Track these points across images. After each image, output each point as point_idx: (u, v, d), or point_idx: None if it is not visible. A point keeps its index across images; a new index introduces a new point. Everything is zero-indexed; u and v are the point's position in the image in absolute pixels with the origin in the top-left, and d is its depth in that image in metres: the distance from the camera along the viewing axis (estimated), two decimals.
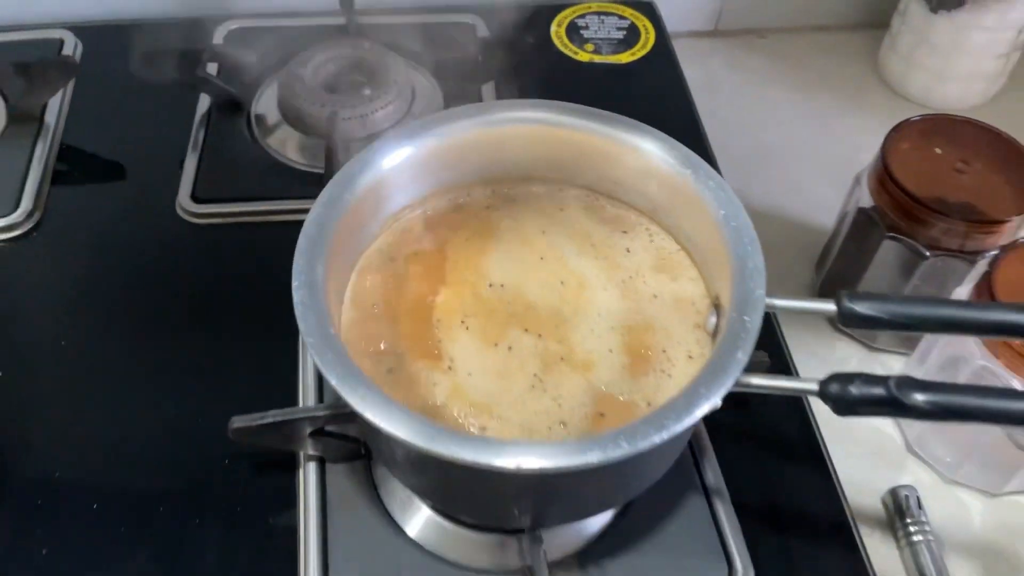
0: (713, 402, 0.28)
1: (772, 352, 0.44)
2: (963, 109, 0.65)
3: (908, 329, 0.30)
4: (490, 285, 0.36)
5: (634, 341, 0.34)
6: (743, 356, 0.29)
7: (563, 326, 0.35)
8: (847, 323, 0.30)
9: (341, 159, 0.50)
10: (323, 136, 0.51)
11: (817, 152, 0.62)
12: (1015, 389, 0.28)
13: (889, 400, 0.27)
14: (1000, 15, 0.59)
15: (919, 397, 0.27)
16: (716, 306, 0.34)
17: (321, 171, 0.51)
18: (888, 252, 0.47)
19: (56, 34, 0.59)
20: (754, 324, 0.30)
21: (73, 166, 0.52)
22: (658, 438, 0.27)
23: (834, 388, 0.28)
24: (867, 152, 0.49)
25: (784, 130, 0.64)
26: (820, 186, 0.60)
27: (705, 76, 0.68)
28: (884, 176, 0.46)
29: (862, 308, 0.30)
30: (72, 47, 0.58)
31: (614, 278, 0.36)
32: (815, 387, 0.29)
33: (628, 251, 0.37)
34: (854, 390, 0.28)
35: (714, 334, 0.34)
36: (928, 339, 0.46)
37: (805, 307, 0.31)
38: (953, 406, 0.27)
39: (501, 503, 0.33)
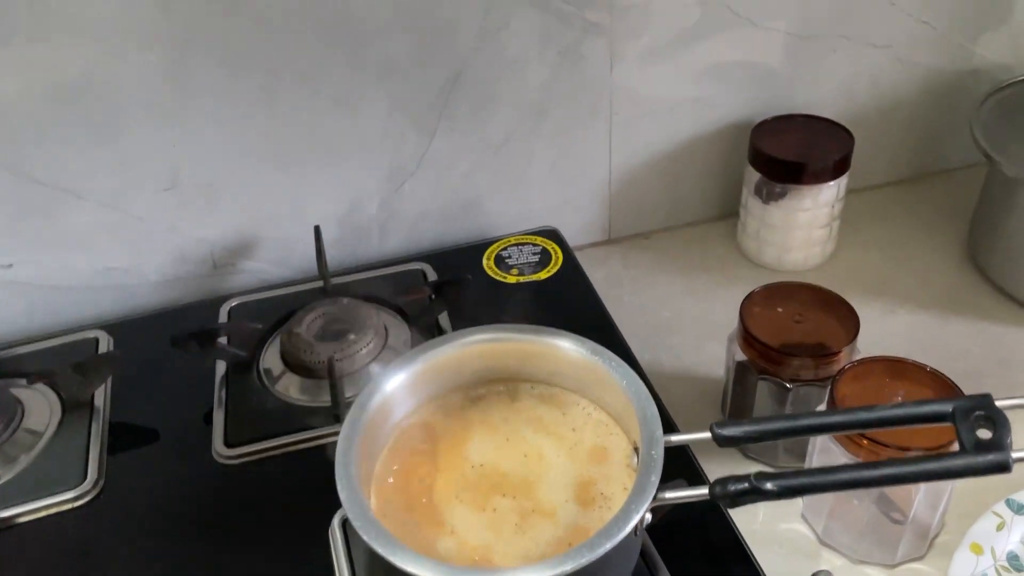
0: (642, 514, 0.42)
1: (692, 479, 0.57)
2: (809, 268, 0.83)
3: (760, 440, 0.44)
4: (472, 466, 0.49)
5: (583, 489, 0.48)
6: (655, 479, 0.43)
7: (530, 488, 0.48)
8: (722, 444, 0.44)
9: (343, 391, 0.64)
10: (324, 377, 0.65)
11: (703, 320, 0.79)
12: (839, 465, 0.41)
13: (753, 490, 0.41)
14: (813, 198, 0.79)
15: (769, 484, 0.40)
16: (636, 449, 0.48)
17: (321, 405, 0.65)
18: (764, 389, 0.62)
19: (92, 334, 0.73)
20: (658, 455, 0.44)
21: (123, 438, 0.64)
22: (609, 544, 0.40)
23: (718, 490, 0.42)
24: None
25: (676, 307, 0.81)
26: (712, 346, 0.75)
27: (607, 275, 0.85)
28: (745, 334, 0.62)
29: (728, 432, 0.44)
30: (106, 343, 0.72)
31: (562, 447, 0.50)
32: (706, 492, 0.42)
33: (571, 427, 0.51)
34: (730, 487, 0.41)
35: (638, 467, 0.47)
36: (808, 452, 0.60)
37: (692, 439, 0.45)
38: (793, 486, 0.40)
39: None
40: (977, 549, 0.57)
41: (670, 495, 0.43)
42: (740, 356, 0.63)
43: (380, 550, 0.41)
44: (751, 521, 0.61)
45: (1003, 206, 0.77)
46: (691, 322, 0.79)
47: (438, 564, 0.40)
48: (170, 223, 0.76)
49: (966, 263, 0.84)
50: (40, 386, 0.67)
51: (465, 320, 0.71)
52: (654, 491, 0.42)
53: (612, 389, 0.49)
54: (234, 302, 0.76)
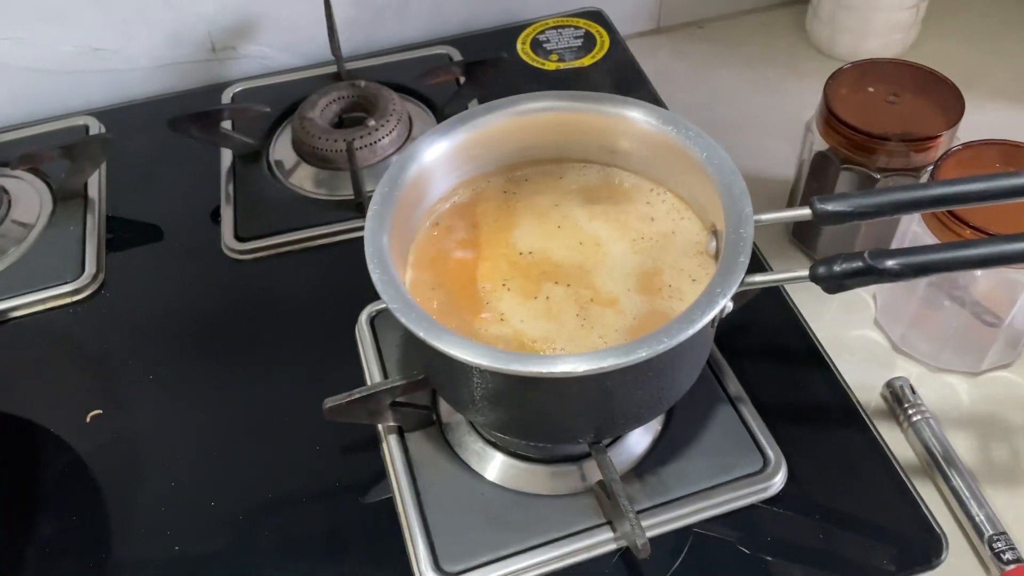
0: (728, 297, 0.35)
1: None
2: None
3: (873, 215, 0.37)
4: (520, 253, 0.42)
5: (647, 279, 0.41)
6: (745, 259, 0.36)
7: (587, 276, 0.41)
8: (823, 222, 0.37)
9: (364, 181, 0.56)
10: (341, 167, 0.57)
11: (767, 117, 0.70)
12: (963, 240, 0.35)
13: (867, 269, 0.34)
14: None
15: (890, 262, 0.33)
16: (714, 232, 0.41)
17: (338, 198, 0.58)
18: (845, 182, 0.54)
19: (80, 121, 0.65)
20: (748, 234, 0.37)
21: (121, 232, 0.58)
22: (690, 330, 0.34)
23: (822, 270, 0.35)
24: (811, 109, 0.57)
25: (735, 104, 0.72)
26: (776, 144, 0.67)
27: (656, 68, 0.75)
28: (830, 118, 0.53)
29: (832, 206, 0.37)
30: (98, 129, 0.64)
31: (623, 234, 0.43)
32: (806, 273, 0.36)
33: (629, 209, 0.43)
34: (837, 268, 0.35)
35: (716, 255, 0.40)
36: (896, 242, 0.53)
37: (787, 216, 0.38)
38: (917, 263, 0.33)
39: (568, 419, 0.39)
40: None
41: (760, 278, 0.36)
42: (820, 145, 0.55)
43: (422, 333, 0.34)
44: (818, 327, 0.55)
45: None
46: (753, 120, 0.70)
47: (490, 348, 0.34)
48: None
49: None
50: (27, 175, 0.60)
51: None
52: (743, 272, 0.35)
53: (687, 164, 0.41)
54: (238, 87, 0.67)
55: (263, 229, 0.56)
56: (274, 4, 0.69)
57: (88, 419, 0.47)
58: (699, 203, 0.42)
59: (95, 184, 0.60)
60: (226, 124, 0.61)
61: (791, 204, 0.61)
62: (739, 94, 0.73)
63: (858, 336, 0.55)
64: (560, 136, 0.45)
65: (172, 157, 0.62)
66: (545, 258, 0.42)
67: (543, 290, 0.41)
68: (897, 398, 0.50)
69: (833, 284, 0.35)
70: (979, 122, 0.61)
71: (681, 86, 0.74)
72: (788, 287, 0.54)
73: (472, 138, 0.42)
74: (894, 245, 0.52)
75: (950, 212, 0.46)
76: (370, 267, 0.37)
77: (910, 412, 0.49)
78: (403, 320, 0.35)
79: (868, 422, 0.47)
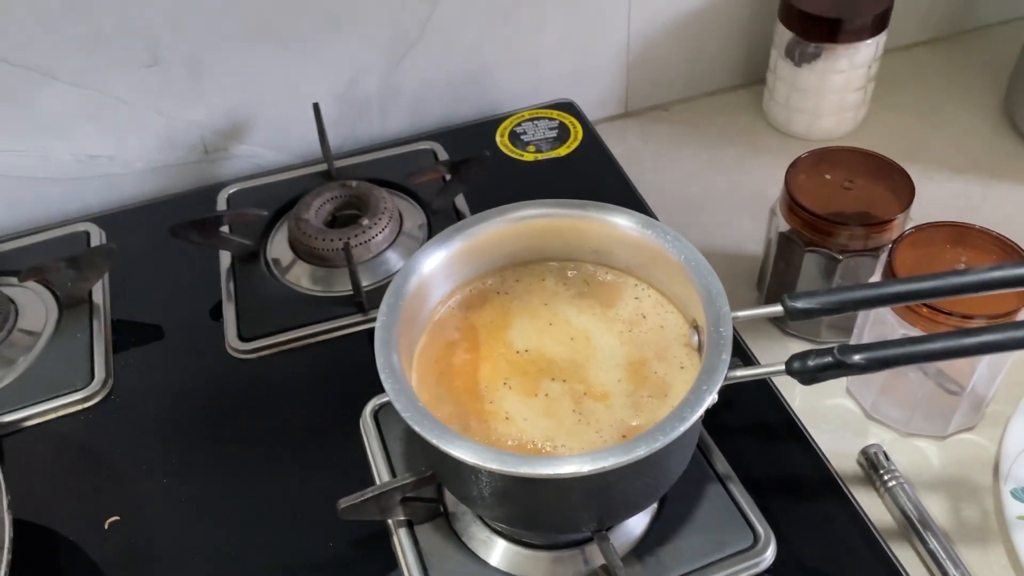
0: (713, 394, 0.38)
1: (741, 358, 0.54)
2: (841, 136, 0.79)
3: (838, 311, 0.41)
4: (517, 352, 0.45)
5: (636, 369, 0.44)
6: (726, 357, 0.39)
7: (580, 371, 0.45)
8: (793, 318, 0.41)
9: (361, 278, 0.59)
10: (338, 264, 0.60)
11: (732, 195, 0.75)
12: (926, 334, 0.38)
13: (836, 364, 0.38)
14: (849, 58, 0.73)
15: (856, 356, 0.37)
16: (695, 327, 0.44)
17: (336, 294, 0.61)
18: (811, 262, 0.58)
19: (81, 227, 0.67)
20: (728, 333, 0.40)
21: (128, 336, 0.60)
22: (682, 427, 0.37)
23: (796, 365, 0.39)
24: (774, 186, 0.61)
25: (701, 183, 0.76)
26: (741, 220, 0.72)
27: (626, 151, 0.80)
28: (792, 204, 0.58)
29: (801, 304, 0.40)
30: (98, 236, 0.67)
31: (611, 328, 0.46)
32: (783, 368, 0.39)
33: (617, 304, 0.47)
34: (810, 363, 0.38)
35: (699, 348, 0.44)
36: (859, 325, 0.57)
37: (760, 313, 0.42)
38: (881, 357, 0.37)
39: (572, 511, 0.41)
40: None
41: (742, 373, 0.40)
42: (784, 227, 0.59)
43: (435, 441, 0.37)
44: (792, 398, 0.58)
45: None
46: (719, 197, 0.75)
47: (498, 452, 0.37)
48: (154, 105, 0.70)
49: (1004, 125, 0.79)
50: (32, 284, 0.62)
51: (484, 203, 0.67)
52: (725, 369, 0.39)
53: (667, 265, 0.45)
54: (232, 189, 0.70)
55: (265, 328, 0.59)
56: (263, 106, 0.73)
57: (107, 526, 0.49)
58: (680, 300, 0.46)
59: (99, 290, 0.62)
60: (224, 228, 0.64)
61: (761, 281, 0.65)
62: (704, 173, 0.77)
63: (832, 405, 0.59)
64: (548, 239, 0.48)
65: (171, 259, 0.65)
66: (541, 355, 0.45)
67: (541, 387, 0.44)
68: (872, 465, 0.54)
69: (807, 378, 0.39)
70: (928, 193, 0.66)
71: (650, 167, 0.79)
72: (759, 358, 0.58)
73: (467, 246, 0.46)
74: (868, 332, 0.56)
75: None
76: (382, 376, 0.40)
77: (885, 478, 0.53)
78: (417, 428, 0.38)
79: (846, 491, 0.50)
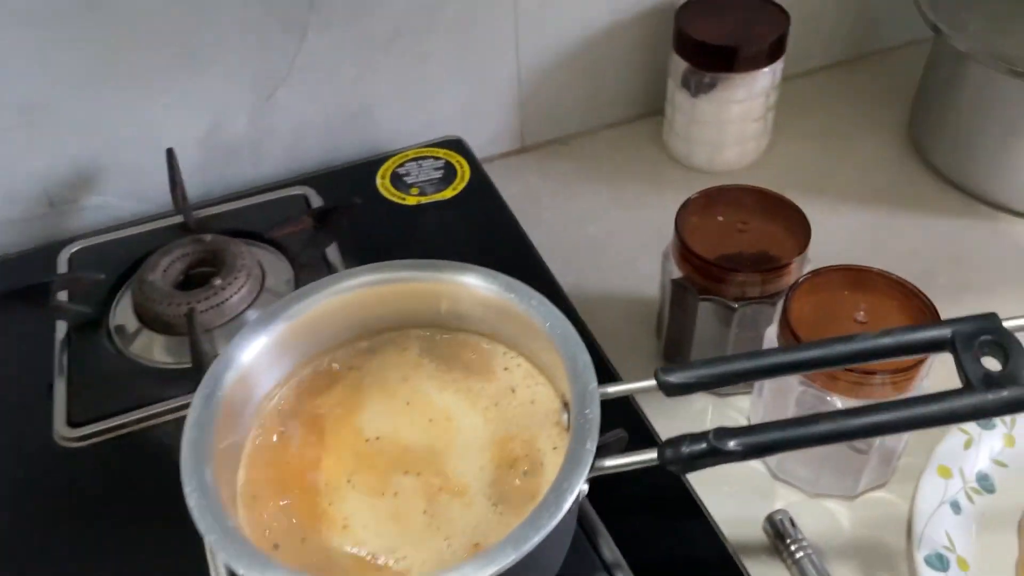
0: (577, 491, 0.33)
1: (632, 424, 0.49)
2: (744, 167, 0.75)
3: (718, 385, 0.36)
4: (367, 439, 0.39)
5: (503, 453, 0.39)
6: (591, 445, 0.34)
7: (438, 459, 0.39)
8: (669, 393, 0.36)
9: (206, 350, 0.53)
10: (185, 333, 0.53)
11: (632, 233, 0.70)
12: (817, 414, 0.34)
13: (712, 451, 0.33)
14: (747, 88, 0.70)
15: (732, 443, 0.32)
16: (565, 403, 0.39)
17: (184, 366, 0.54)
18: (706, 311, 0.54)
19: None
20: (594, 415, 0.35)
21: None
22: (537, 538, 0.31)
23: (669, 454, 0.33)
24: (662, 223, 0.56)
25: (600, 221, 0.72)
26: (643, 260, 0.67)
27: (523, 189, 0.75)
28: (683, 249, 0.53)
29: (676, 378, 0.35)
30: None
31: (476, 404, 0.40)
32: (655, 458, 0.34)
33: (483, 376, 0.41)
34: (684, 450, 0.33)
35: (568, 427, 0.38)
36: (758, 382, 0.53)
37: (632, 388, 0.37)
38: (760, 444, 0.32)
39: None
40: (945, 472, 0.51)
41: (610, 463, 0.35)
42: (677, 274, 0.55)
43: (242, 570, 0.31)
44: None
45: (950, 86, 0.70)
46: (619, 237, 0.70)
47: None
48: None
49: (908, 152, 0.77)
50: None
51: (358, 252, 0.61)
52: (591, 460, 0.34)
53: (533, 333, 0.40)
54: (76, 247, 0.63)
55: (99, 410, 0.51)
56: (113, 153, 0.66)
57: None
58: (550, 370, 0.41)
59: None
60: (62, 294, 0.57)
61: (659, 329, 0.60)
62: (604, 210, 0.73)
63: (739, 466, 0.54)
64: (400, 304, 0.43)
65: (4, 323, 0.57)
66: (394, 442, 0.39)
67: (391, 484, 0.38)
68: (779, 533, 0.49)
69: (682, 467, 0.33)
70: (834, 227, 0.62)
71: (547, 205, 0.74)
72: (657, 418, 0.53)
73: (296, 326, 0.40)
74: (768, 387, 0.51)
75: (793, 334, 0.46)
76: (186, 491, 0.33)
77: (792, 548, 0.48)
78: (223, 554, 0.31)
79: (743, 571, 0.45)
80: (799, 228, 0.53)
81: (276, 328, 0.39)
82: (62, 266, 0.61)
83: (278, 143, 0.70)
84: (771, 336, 0.50)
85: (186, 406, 0.50)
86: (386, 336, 0.43)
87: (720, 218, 0.55)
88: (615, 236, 0.70)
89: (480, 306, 0.41)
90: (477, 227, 0.64)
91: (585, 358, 0.37)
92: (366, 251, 0.61)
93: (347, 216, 0.59)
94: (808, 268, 0.52)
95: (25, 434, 0.51)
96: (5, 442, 0.51)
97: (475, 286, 0.41)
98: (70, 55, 0.60)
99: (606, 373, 0.53)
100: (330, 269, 0.60)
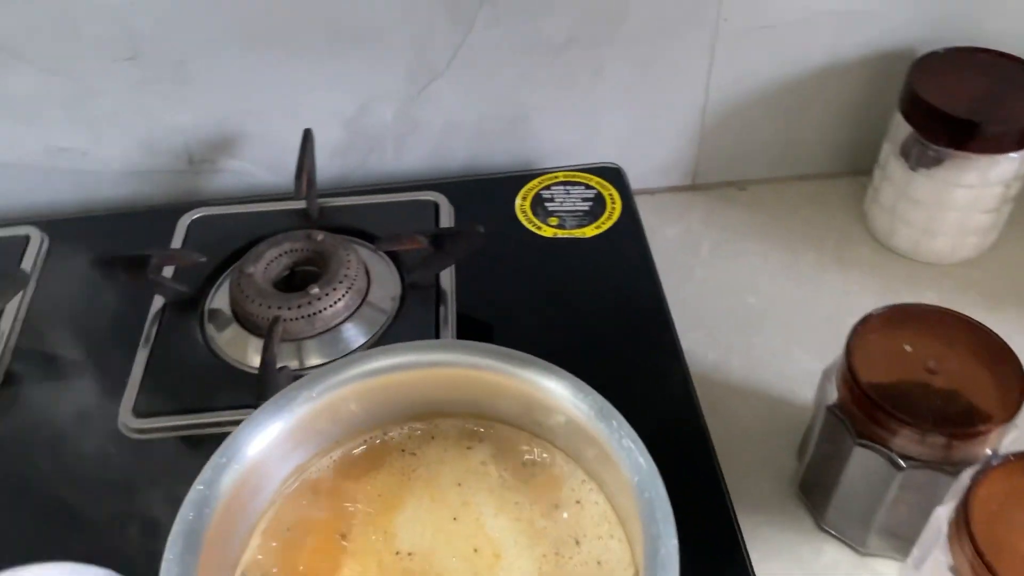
0: None
1: (727, 554, 0.40)
2: (956, 262, 0.62)
3: None
4: (396, 553, 0.33)
5: None
6: None
7: None
8: None
9: (284, 364, 0.48)
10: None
11: (803, 315, 0.59)
12: None
13: None
14: (981, 172, 0.56)
15: None
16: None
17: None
18: (862, 459, 0.43)
19: (23, 231, 0.59)
20: None
21: (22, 370, 0.52)
22: None
23: None
24: (854, 316, 0.46)
25: (767, 290, 0.61)
26: (806, 356, 0.56)
27: (684, 232, 0.66)
28: (848, 376, 0.42)
29: None
30: (38, 244, 0.59)
31: (534, 548, 0.33)
32: None
33: (549, 507, 0.34)
34: None
35: None
36: (922, 545, 0.42)
37: None
38: None
39: None
40: None
41: None
42: (834, 399, 0.44)
43: None
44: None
45: None
46: (783, 315, 0.59)
47: None
48: (135, 102, 0.61)
49: None
50: None
51: (475, 279, 0.55)
52: None
53: (617, 479, 0.31)
54: (197, 214, 0.60)
55: (166, 406, 0.48)
56: (256, 120, 0.63)
57: None
58: (629, 525, 0.32)
59: (11, 311, 0.54)
60: (168, 268, 0.55)
61: (802, 452, 0.50)
62: (771, 278, 0.62)
63: None
64: (479, 393, 0.36)
65: (107, 285, 0.56)
66: (426, 565, 0.33)
67: None
68: None
69: None
70: None
71: (705, 259, 0.64)
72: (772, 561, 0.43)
73: (355, 391, 0.34)
74: (932, 563, 0.40)
75: (983, 560, 0.35)
76: None
77: None
78: None
79: None
80: (1012, 381, 0.41)
81: (327, 392, 0.33)
82: (180, 231, 0.59)
83: (424, 139, 0.64)
84: (940, 519, 0.39)
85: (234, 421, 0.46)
86: (452, 422, 0.36)
87: (907, 347, 0.43)
88: (777, 314, 0.59)
89: (565, 424, 0.34)
90: (611, 278, 0.56)
91: (670, 544, 0.28)
92: (484, 282, 0.55)
93: (467, 243, 0.52)
94: (1013, 438, 0.41)
95: (93, 409, 0.49)
96: (72, 414, 0.49)
97: (564, 399, 0.33)
98: (229, 18, 0.57)
99: (719, 506, 0.44)
100: (439, 296, 0.54)
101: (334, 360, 0.44)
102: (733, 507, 0.44)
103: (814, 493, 0.48)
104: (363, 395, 0.34)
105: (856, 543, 0.47)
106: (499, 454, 0.36)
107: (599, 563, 0.32)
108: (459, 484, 0.35)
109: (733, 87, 0.64)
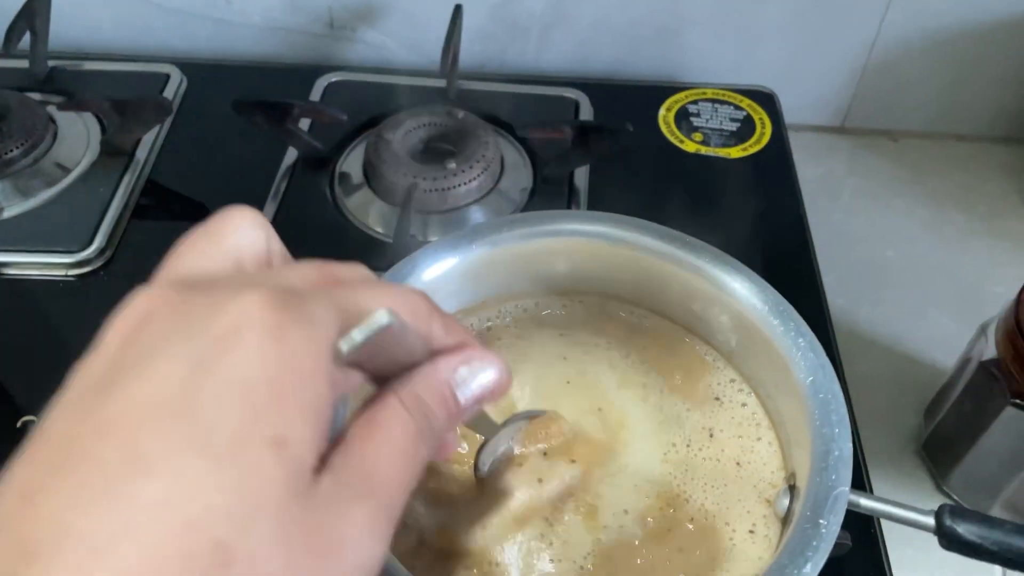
0: None
1: (859, 529, 0.38)
2: None
3: (1014, 567, 0.24)
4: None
5: (665, 504, 0.30)
6: (812, 572, 0.24)
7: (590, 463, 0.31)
8: (950, 547, 0.25)
9: (414, 233, 0.47)
10: (399, 205, 0.48)
11: (942, 277, 0.56)
12: None
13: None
14: None
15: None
16: (791, 486, 0.29)
17: (388, 240, 0.49)
18: (1010, 421, 0.40)
19: (164, 68, 0.59)
20: (831, 530, 0.25)
21: (155, 204, 0.52)
22: None
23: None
24: (999, 285, 0.43)
25: (907, 247, 0.58)
26: (942, 318, 0.53)
27: (826, 176, 0.63)
28: (1015, 333, 0.39)
29: (965, 531, 0.24)
30: (177, 83, 0.59)
31: (663, 432, 0.31)
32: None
33: (688, 395, 0.32)
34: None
35: (785, 519, 0.29)
36: None
37: (896, 515, 0.26)
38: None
39: None
40: None
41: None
42: (990, 355, 0.41)
43: None
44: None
45: None
46: (922, 274, 0.56)
47: None
48: None
49: None
50: (88, 116, 0.55)
51: (610, 185, 0.53)
52: None
53: (785, 379, 0.30)
54: (335, 77, 0.59)
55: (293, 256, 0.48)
56: None
57: (19, 424, 0.41)
58: (787, 431, 0.31)
59: (147, 144, 0.54)
60: (304, 121, 0.54)
61: (931, 412, 0.47)
62: (914, 235, 0.59)
63: None
64: (640, 276, 0.34)
65: (241, 133, 0.55)
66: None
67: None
68: None
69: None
70: None
71: (844, 206, 0.61)
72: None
73: (496, 256, 0.32)
74: None
75: None
76: None
77: None
78: None
79: None
80: None
81: (474, 253, 0.32)
82: (316, 92, 0.58)
83: (572, 34, 0.62)
84: None
85: None
86: (610, 302, 0.35)
87: None
88: (915, 272, 0.56)
89: (729, 315, 0.32)
90: (755, 204, 0.53)
91: (844, 446, 0.27)
92: (618, 187, 0.53)
93: (612, 141, 0.50)
94: None
95: None
96: None
97: (736, 292, 0.31)
98: None
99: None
100: (572, 193, 0.52)
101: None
102: (864, 459, 0.42)
103: (940, 454, 0.46)
104: (527, 256, 0.33)
105: (982, 509, 0.44)
106: (632, 338, 0.34)
107: (738, 464, 0.31)
108: (564, 358, 0.33)
109: (907, 27, 0.59)
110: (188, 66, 0.60)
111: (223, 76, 0.60)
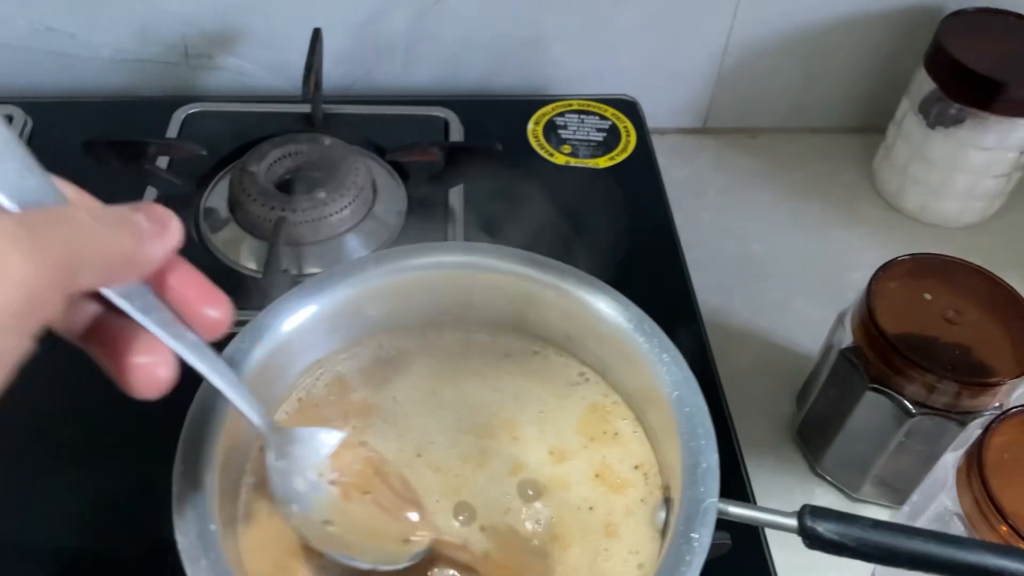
0: None
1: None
2: (961, 226, 0.62)
3: (874, 561, 0.26)
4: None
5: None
6: None
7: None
8: (812, 546, 0.26)
9: (287, 267, 0.46)
10: (269, 240, 0.47)
11: (805, 266, 0.59)
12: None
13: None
14: (1000, 136, 0.56)
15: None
16: (667, 499, 0.30)
17: (257, 275, 0.48)
18: (871, 404, 0.43)
19: (5, 110, 0.56)
20: (703, 543, 0.26)
21: None
22: None
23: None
24: (857, 271, 0.45)
25: (771, 239, 0.61)
26: (807, 306, 0.56)
27: (691, 175, 0.65)
28: (867, 320, 0.42)
29: (825, 530, 0.26)
30: (21, 124, 0.55)
31: (545, 432, 0.32)
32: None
33: (563, 414, 0.33)
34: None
35: (663, 530, 0.30)
36: (923, 491, 0.42)
37: (763, 520, 0.27)
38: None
39: None
40: None
41: None
42: (848, 344, 0.44)
43: None
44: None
45: None
46: (787, 264, 0.59)
47: None
48: None
49: None
50: None
51: (483, 201, 0.53)
52: None
53: (652, 393, 0.31)
54: (194, 108, 0.57)
55: None
56: (261, 17, 0.59)
57: None
58: (662, 448, 0.31)
59: None
60: (162, 159, 0.52)
61: (803, 398, 0.49)
62: (777, 228, 0.61)
63: None
64: (500, 301, 0.34)
65: (94, 174, 0.52)
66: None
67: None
68: None
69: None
70: None
71: (713, 203, 0.63)
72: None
73: (365, 294, 0.32)
74: (918, 497, 0.41)
75: (993, 503, 0.35)
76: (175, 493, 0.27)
77: None
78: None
79: None
80: None
81: (340, 295, 0.32)
82: (175, 125, 0.56)
83: (436, 52, 0.62)
84: (947, 466, 0.39)
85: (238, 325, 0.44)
86: (475, 333, 0.35)
87: (927, 296, 0.43)
88: (780, 263, 0.59)
89: (597, 337, 0.33)
90: (624, 212, 0.54)
91: (711, 458, 0.28)
92: (493, 204, 0.53)
93: (482, 160, 0.50)
94: (1022, 392, 0.41)
95: None
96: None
97: (601, 311, 0.32)
98: None
99: (725, 441, 0.43)
100: (447, 213, 0.52)
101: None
102: (740, 448, 0.44)
103: (813, 438, 0.48)
104: (397, 291, 0.32)
105: (850, 489, 0.47)
106: (522, 361, 0.34)
107: (623, 483, 0.31)
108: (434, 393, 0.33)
109: (757, 30, 0.62)
110: (32, 105, 0.57)
111: (72, 114, 0.57)
